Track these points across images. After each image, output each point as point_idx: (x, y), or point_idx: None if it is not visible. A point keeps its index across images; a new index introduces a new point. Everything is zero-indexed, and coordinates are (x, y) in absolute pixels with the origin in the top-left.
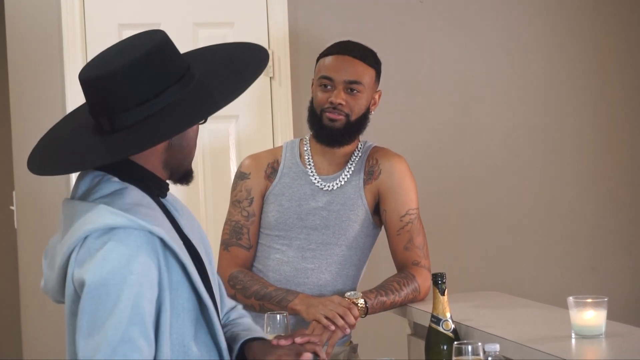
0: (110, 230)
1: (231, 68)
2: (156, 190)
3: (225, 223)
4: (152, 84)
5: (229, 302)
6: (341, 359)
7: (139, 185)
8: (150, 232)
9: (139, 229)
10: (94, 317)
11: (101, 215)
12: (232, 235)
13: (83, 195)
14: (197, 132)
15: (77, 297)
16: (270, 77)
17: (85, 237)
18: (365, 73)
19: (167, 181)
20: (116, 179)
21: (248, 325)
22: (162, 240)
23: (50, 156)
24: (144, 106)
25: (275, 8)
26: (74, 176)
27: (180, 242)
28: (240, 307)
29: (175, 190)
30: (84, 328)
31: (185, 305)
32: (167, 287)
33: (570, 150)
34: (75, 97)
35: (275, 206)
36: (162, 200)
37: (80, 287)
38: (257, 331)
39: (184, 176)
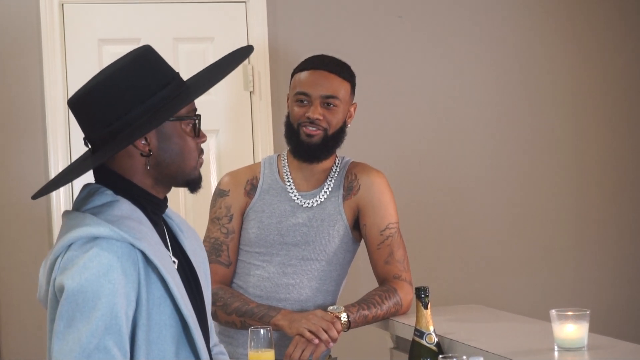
0: (93, 239)
1: (207, 75)
2: (149, 207)
3: (204, 240)
4: (113, 107)
5: (215, 338)
6: None
7: (132, 200)
8: (132, 245)
9: (120, 240)
10: (70, 322)
11: (86, 224)
12: (212, 252)
13: (77, 205)
14: (183, 147)
15: (57, 302)
16: (251, 92)
17: (70, 245)
18: (341, 87)
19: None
20: (110, 192)
21: None
22: (145, 255)
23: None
24: (109, 128)
25: (255, 23)
26: (54, 191)
27: (168, 259)
28: (221, 345)
29: None
30: (60, 333)
31: (167, 322)
32: (146, 301)
33: (551, 162)
34: (54, 112)
35: (256, 223)
36: (167, 219)
37: (59, 292)
38: None
39: (188, 185)
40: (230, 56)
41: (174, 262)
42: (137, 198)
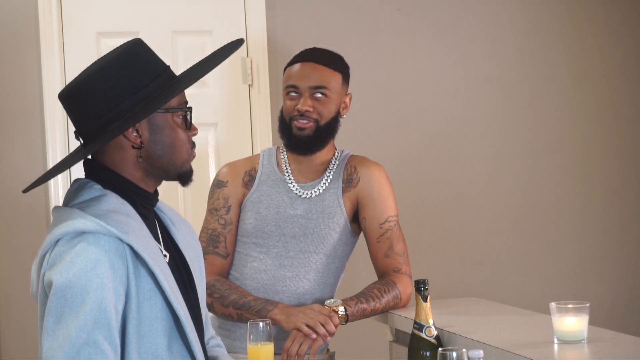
0: (80, 234)
1: (197, 67)
2: (138, 200)
3: (202, 231)
4: (106, 98)
5: (211, 330)
6: None
7: (121, 194)
8: (120, 239)
9: (107, 234)
10: (59, 318)
11: (73, 219)
12: (209, 244)
13: (67, 200)
14: (174, 139)
15: (47, 298)
16: (249, 85)
17: (57, 241)
18: (331, 78)
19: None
20: (98, 187)
21: (225, 353)
22: (133, 249)
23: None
24: (102, 120)
25: (253, 16)
26: (52, 184)
27: (157, 253)
28: (218, 338)
29: None
30: (50, 329)
31: (158, 315)
32: (135, 295)
33: (553, 155)
34: (53, 106)
35: (253, 213)
36: (158, 212)
37: (48, 288)
38: None
39: (179, 178)
40: (221, 49)
41: (165, 255)
42: (126, 192)
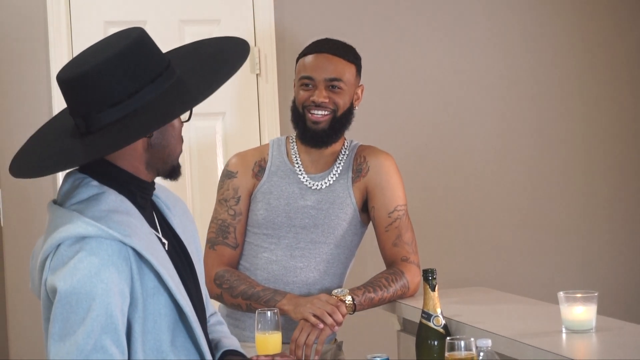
0: (82, 239)
1: (211, 65)
2: (139, 192)
3: (211, 221)
4: (125, 84)
5: (211, 307)
6: (328, 358)
7: (119, 188)
8: (122, 242)
9: (109, 238)
10: (65, 324)
11: (73, 224)
12: (219, 234)
13: (63, 198)
14: (179, 130)
15: (50, 302)
16: (257, 74)
17: (59, 245)
18: (346, 69)
19: (157, 177)
20: (95, 183)
21: (227, 333)
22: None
23: (30, 159)
24: (118, 106)
25: (261, 5)
26: (60, 175)
27: (159, 248)
28: (218, 314)
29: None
30: (56, 335)
31: (162, 311)
32: (140, 295)
33: (559, 145)
34: (61, 96)
35: (264, 204)
36: (154, 198)
37: (52, 293)
38: (235, 343)
39: (171, 173)
40: (228, 46)
41: (163, 243)
42: (125, 185)
